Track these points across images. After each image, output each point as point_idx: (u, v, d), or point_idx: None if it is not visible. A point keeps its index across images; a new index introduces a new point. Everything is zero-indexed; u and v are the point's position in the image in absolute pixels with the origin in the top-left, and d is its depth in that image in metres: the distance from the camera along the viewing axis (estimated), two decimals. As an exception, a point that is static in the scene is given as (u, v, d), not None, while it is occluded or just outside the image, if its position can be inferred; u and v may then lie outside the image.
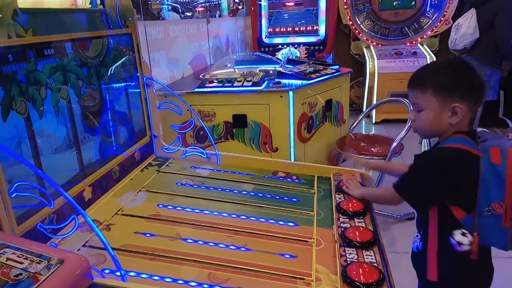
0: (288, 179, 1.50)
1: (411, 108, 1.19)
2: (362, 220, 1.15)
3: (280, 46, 4.71)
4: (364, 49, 4.79)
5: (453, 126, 1.09)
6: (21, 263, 0.73)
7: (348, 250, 1.00)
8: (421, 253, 1.17)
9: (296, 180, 1.49)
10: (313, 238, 1.09)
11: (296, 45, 4.68)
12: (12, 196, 0.87)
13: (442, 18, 4.49)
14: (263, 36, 4.80)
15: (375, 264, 0.94)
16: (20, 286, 0.68)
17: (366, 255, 0.98)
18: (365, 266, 0.92)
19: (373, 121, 4.69)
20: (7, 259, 0.74)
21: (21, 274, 0.70)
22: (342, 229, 1.09)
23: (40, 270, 0.72)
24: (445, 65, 1.18)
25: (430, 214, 1.13)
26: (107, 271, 0.91)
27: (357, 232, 1.06)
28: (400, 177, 1.17)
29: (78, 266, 0.75)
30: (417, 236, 1.21)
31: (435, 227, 1.12)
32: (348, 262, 0.95)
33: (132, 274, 0.91)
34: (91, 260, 0.92)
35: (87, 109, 1.21)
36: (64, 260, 0.75)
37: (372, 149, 2.49)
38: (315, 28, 4.71)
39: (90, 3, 1.24)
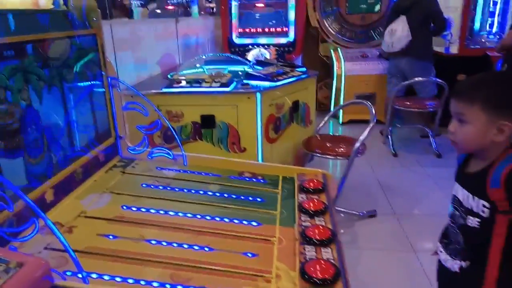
0: (254, 180, 1.53)
1: (453, 119, 1.09)
2: (322, 219, 1.20)
3: (250, 47, 4.75)
4: (332, 52, 4.90)
5: (495, 144, 1.04)
6: (-22, 267, 0.72)
7: (308, 248, 1.04)
8: (467, 276, 1.05)
9: (261, 181, 1.53)
10: (275, 237, 1.13)
11: (266, 46, 4.74)
12: (-31, 199, 0.86)
13: (405, 23, 4.67)
14: (234, 36, 4.82)
15: (332, 261, 0.98)
16: (-23, 291, 0.68)
17: (324, 252, 1.03)
18: (322, 262, 0.97)
19: (340, 122, 4.82)
20: (-37, 263, 0.73)
21: (-23, 278, 0.70)
22: (303, 227, 1.13)
23: (-2, 274, 0.71)
24: (499, 79, 1.10)
25: (495, 235, 1.01)
26: (68, 273, 0.91)
27: (316, 231, 1.10)
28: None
29: (37, 269, 0.75)
30: (453, 250, 1.07)
31: (499, 252, 1.01)
32: (307, 259, 0.99)
33: (94, 276, 0.92)
34: (52, 262, 0.92)
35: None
36: (23, 263, 0.74)
37: (337, 149, 2.57)
38: (284, 29, 4.78)
39: (52, 4, 1.22)
